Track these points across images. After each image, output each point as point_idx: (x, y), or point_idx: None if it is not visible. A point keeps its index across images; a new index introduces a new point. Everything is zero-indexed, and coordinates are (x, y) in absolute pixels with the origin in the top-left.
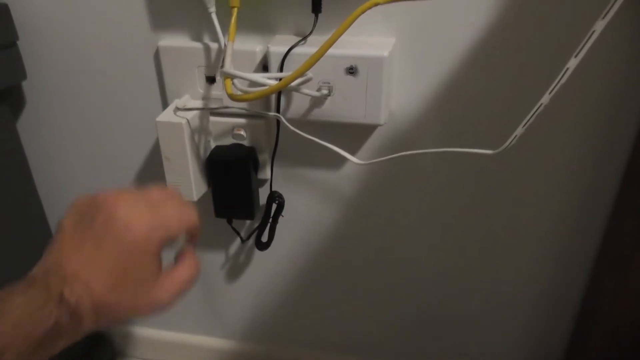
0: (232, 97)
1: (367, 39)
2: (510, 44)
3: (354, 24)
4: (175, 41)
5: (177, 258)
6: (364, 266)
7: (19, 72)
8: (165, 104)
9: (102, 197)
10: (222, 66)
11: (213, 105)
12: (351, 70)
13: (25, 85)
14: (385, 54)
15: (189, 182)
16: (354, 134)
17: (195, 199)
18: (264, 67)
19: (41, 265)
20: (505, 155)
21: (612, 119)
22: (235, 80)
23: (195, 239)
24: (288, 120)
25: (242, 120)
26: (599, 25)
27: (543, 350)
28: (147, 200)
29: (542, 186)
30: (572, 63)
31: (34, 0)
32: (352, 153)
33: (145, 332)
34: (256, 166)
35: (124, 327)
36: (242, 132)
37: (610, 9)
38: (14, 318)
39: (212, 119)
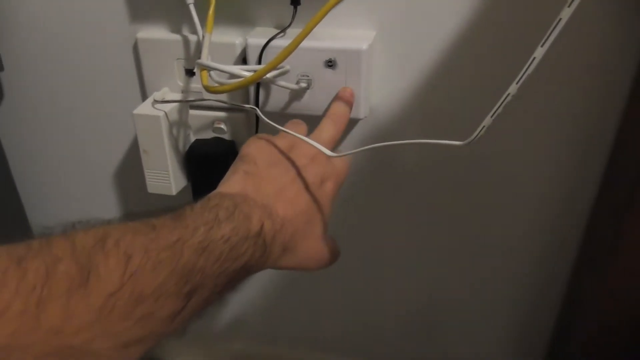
0: (208, 89)
1: (347, 32)
2: (494, 37)
3: (334, 16)
4: (154, 33)
5: None
6: (348, 260)
7: None
8: (144, 98)
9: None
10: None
11: (192, 98)
12: (330, 64)
13: (3, 76)
14: (364, 47)
15: (168, 175)
16: None
17: (174, 192)
18: (244, 60)
19: (231, 193)
20: (481, 148)
21: (593, 111)
22: (213, 73)
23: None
24: (267, 113)
25: (222, 114)
26: (566, 13)
27: (527, 342)
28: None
29: (520, 181)
30: (539, 52)
31: None
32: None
33: None
34: None
35: None
36: (223, 126)
37: None
38: (217, 253)
39: (192, 112)
